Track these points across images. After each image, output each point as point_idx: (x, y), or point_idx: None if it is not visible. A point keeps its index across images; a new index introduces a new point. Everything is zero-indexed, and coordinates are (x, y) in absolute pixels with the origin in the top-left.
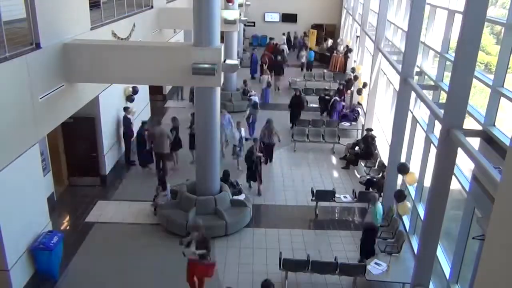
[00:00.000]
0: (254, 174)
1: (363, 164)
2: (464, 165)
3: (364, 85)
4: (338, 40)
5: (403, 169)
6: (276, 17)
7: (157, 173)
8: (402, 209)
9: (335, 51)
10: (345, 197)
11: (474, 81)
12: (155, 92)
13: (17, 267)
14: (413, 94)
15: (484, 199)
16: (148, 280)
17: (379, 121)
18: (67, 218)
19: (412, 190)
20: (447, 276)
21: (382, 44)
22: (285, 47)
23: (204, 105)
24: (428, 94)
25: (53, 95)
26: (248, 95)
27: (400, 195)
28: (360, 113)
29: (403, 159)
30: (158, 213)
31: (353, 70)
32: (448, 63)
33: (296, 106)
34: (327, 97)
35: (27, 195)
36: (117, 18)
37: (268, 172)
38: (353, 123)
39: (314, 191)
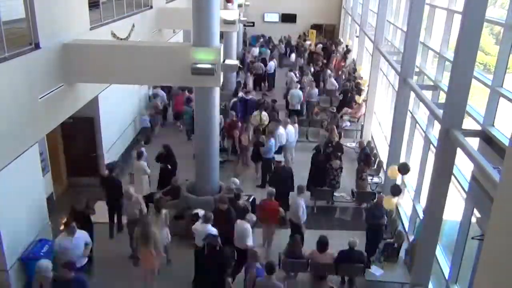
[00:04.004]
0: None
1: None
2: (463, 165)
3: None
4: (337, 40)
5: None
6: (275, 17)
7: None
8: (388, 202)
9: (334, 52)
10: (342, 196)
11: (473, 81)
12: None
13: (16, 267)
14: (412, 94)
15: (483, 199)
16: (146, 281)
17: (379, 121)
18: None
19: (411, 190)
20: (447, 276)
21: (381, 44)
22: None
23: (203, 105)
24: (427, 94)
25: (52, 95)
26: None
27: (395, 190)
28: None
29: (402, 159)
30: None
31: (354, 70)
32: (447, 63)
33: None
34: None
35: (26, 195)
36: (116, 18)
37: None
38: (352, 123)
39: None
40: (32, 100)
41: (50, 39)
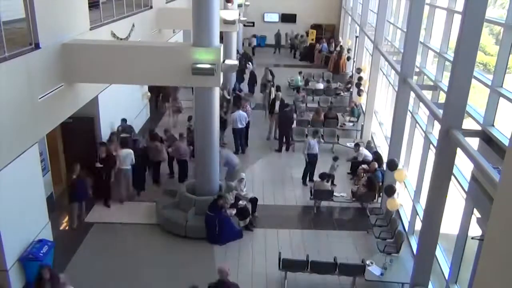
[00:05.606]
0: None
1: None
2: (463, 165)
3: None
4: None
5: (393, 164)
6: (275, 17)
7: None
8: (391, 204)
9: (333, 52)
10: (342, 196)
11: (473, 81)
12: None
13: (16, 268)
14: (412, 94)
15: (483, 199)
16: (147, 281)
17: (379, 121)
18: (66, 218)
19: (411, 190)
20: (446, 276)
21: (381, 44)
22: None
23: (203, 105)
24: (427, 94)
25: (52, 95)
26: None
27: (390, 190)
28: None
29: (402, 159)
30: (157, 214)
31: (359, 70)
32: (447, 63)
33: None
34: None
35: (26, 195)
36: (116, 18)
37: (268, 171)
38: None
39: (313, 191)
40: (32, 100)
41: (50, 39)
